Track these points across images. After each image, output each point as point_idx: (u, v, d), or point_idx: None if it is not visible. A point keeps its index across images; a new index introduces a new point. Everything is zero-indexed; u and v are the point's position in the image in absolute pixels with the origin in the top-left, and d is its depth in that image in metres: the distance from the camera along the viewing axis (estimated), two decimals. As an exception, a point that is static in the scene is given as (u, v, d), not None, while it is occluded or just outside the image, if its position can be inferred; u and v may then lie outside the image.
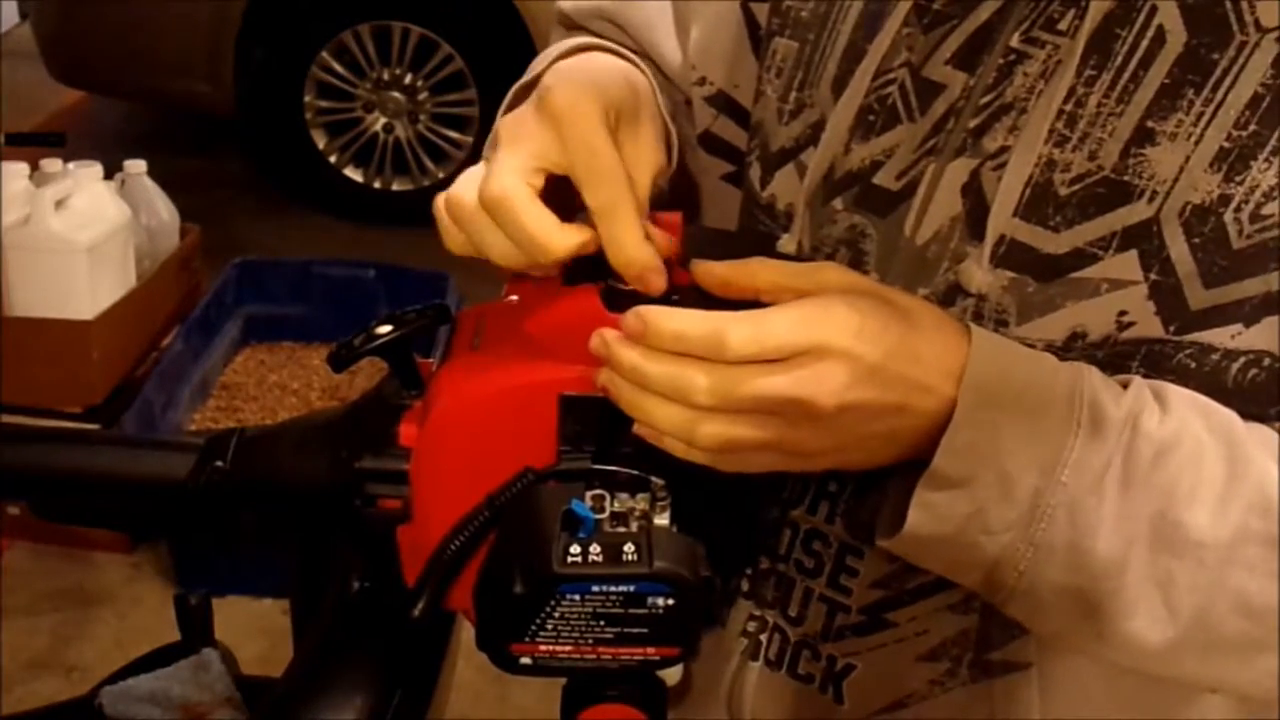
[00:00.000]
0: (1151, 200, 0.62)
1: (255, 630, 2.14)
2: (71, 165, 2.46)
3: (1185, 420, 0.60)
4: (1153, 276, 0.62)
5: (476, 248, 0.65)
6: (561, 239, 0.62)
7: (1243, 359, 0.62)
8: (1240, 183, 0.61)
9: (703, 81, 0.83)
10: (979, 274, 0.66)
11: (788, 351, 0.57)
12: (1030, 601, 0.61)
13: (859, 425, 0.58)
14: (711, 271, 0.62)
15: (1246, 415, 0.62)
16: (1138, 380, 0.61)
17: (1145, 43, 0.62)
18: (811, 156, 0.74)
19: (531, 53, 0.68)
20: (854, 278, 0.62)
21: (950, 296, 0.67)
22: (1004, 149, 0.66)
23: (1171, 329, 0.63)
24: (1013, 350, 0.61)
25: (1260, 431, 0.62)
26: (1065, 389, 0.59)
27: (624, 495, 0.59)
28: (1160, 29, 0.62)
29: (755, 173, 0.79)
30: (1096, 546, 0.59)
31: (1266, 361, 0.62)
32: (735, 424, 0.57)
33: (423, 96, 3.85)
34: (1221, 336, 0.62)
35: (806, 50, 0.76)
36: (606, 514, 0.59)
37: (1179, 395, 0.61)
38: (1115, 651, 0.62)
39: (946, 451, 0.59)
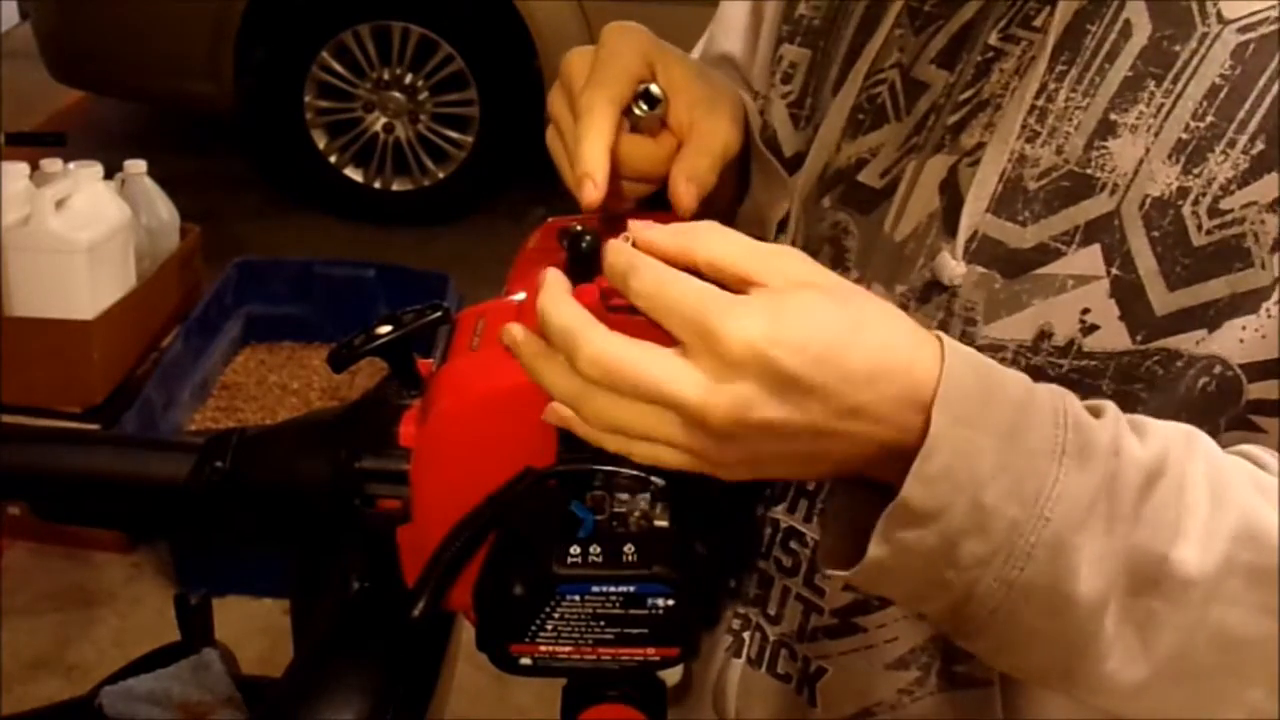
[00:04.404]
0: (1113, 193, 0.62)
1: (255, 630, 2.14)
2: (71, 165, 2.46)
3: (1166, 444, 0.56)
4: (1114, 271, 0.62)
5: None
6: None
7: (1196, 367, 0.62)
8: (1197, 175, 0.60)
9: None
10: (951, 264, 0.65)
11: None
12: (997, 640, 0.57)
13: (765, 443, 0.52)
14: (651, 241, 0.55)
15: (1198, 424, 0.60)
16: (1111, 405, 0.57)
17: (1112, 36, 0.63)
18: None
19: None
20: (811, 272, 0.54)
21: (926, 294, 0.67)
22: (980, 145, 0.66)
23: (1138, 338, 0.62)
24: (989, 367, 0.55)
25: (1235, 458, 0.59)
26: (1049, 408, 0.54)
27: (624, 496, 0.59)
28: (1127, 23, 0.63)
29: None
30: (1078, 588, 0.54)
31: (1217, 369, 0.61)
32: (620, 406, 0.52)
33: (423, 96, 3.85)
34: (1187, 343, 0.61)
35: (817, 58, 0.77)
36: (606, 514, 0.59)
37: (1153, 421, 0.58)
38: (1082, 690, 0.58)
39: (918, 479, 0.53)
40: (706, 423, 0.51)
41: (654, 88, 0.69)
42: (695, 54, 0.88)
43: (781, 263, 0.54)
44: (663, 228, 0.56)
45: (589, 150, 0.66)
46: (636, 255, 0.54)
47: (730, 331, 0.50)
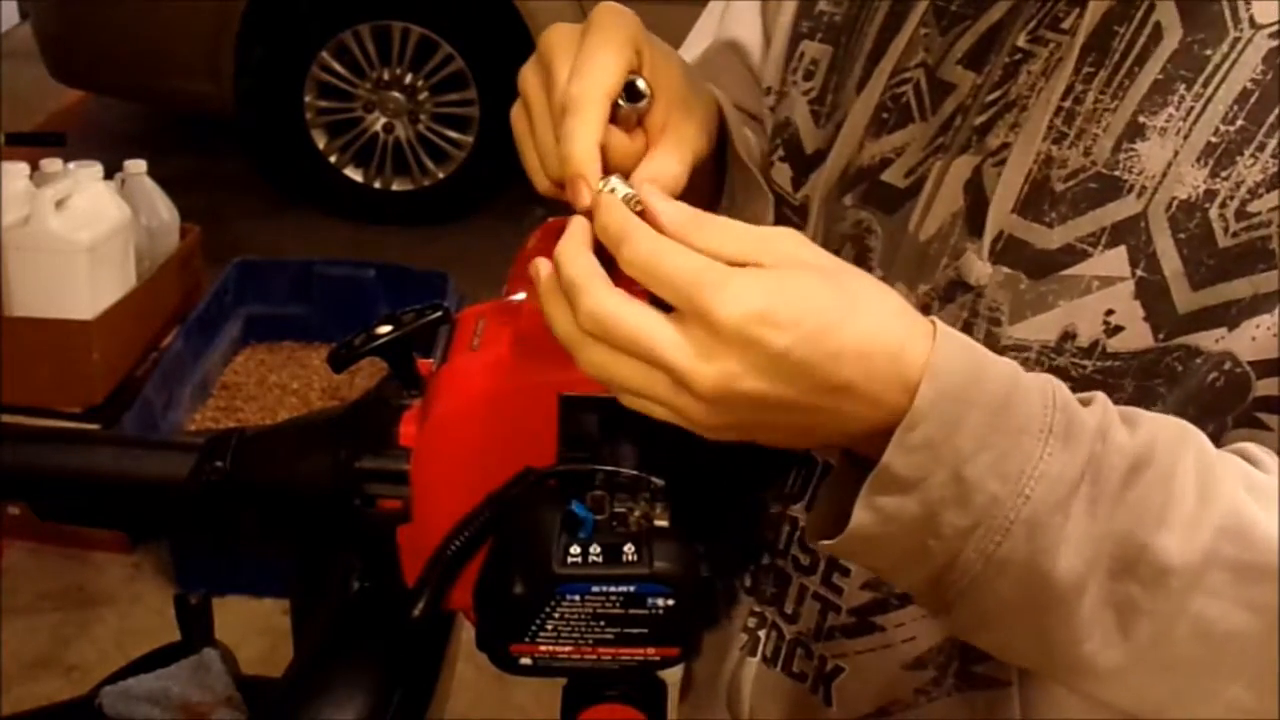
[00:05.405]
0: (1140, 195, 0.62)
1: (255, 630, 2.14)
2: (71, 165, 2.46)
3: (1155, 434, 0.57)
4: (1139, 273, 0.62)
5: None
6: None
7: (1210, 363, 0.62)
8: (1226, 178, 0.61)
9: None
10: (978, 265, 0.66)
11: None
12: (974, 613, 0.57)
13: (751, 413, 0.54)
14: (655, 216, 0.57)
15: (1206, 420, 0.61)
16: (1101, 395, 0.58)
17: (1142, 39, 0.63)
18: None
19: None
20: (810, 254, 0.56)
21: (950, 293, 0.67)
22: (1005, 146, 0.66)
23: (1160, 336, 0.62)
24: (981, 350, 0.56)
25: (1230, 455, 0.59)
26: (1037, 391, 0.55)
27: (624, 495, 0.59)
28: (1157, 25, 0.63)
29: (784, 173, 0.79)
30: (1056, 567, 0.54)
31: (1227, 365, 0.62)
32: (613, 359, 0.54)
33: (423, 96, 3.85)
34: (1207, 340, 0.62)
35: (839, 55, 0.77)
36: (607, 514, 0.59)
37: (1146, 413, 0.58)
38: (1061, 671, 0.59)
39: (900, 447, 0.54)
40: (694, 389, 0.53)
41: (640, 82, 0.65)
42: (690, 47, 0.88)
43: (780, 245, 0.55)
44: (668, 206, 0.57)
45: (580, 149, 0.61)
46: (629, 221, 0.56)
47: (723, 308, 0.52)
